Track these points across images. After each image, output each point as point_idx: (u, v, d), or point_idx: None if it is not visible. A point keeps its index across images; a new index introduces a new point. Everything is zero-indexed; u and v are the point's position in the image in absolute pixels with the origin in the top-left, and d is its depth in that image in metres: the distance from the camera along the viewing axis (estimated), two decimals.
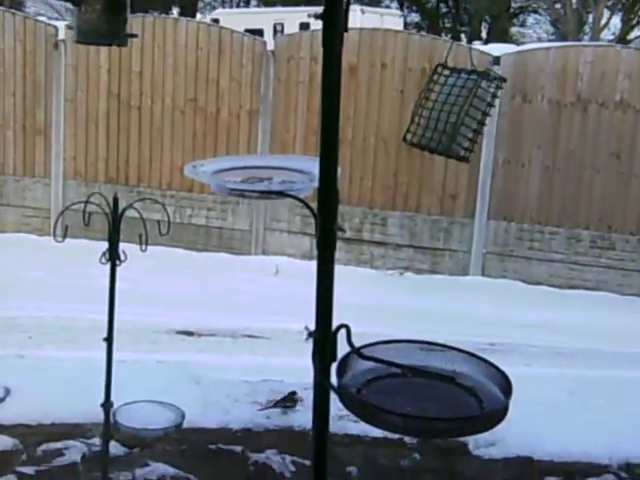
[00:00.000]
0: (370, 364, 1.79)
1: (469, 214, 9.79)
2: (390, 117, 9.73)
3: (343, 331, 1.79)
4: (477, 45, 15.62)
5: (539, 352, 7.64)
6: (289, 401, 4.36)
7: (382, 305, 8.40)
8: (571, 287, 9.61)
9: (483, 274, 9.83)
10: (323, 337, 1.80)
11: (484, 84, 2.53)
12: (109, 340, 3.15)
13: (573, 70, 9.37)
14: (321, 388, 1.83)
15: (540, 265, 9.73)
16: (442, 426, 1.61)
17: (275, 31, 20.12)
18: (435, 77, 2.69)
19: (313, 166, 1.84)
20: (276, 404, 4.32)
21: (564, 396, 6.02)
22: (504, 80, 2.64)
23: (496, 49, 11.07)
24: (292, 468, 4.08)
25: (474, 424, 1.63)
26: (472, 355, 1.80)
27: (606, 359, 7.59)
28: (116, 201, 2.99)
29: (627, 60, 9.25)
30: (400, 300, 8.66)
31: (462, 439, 4.11)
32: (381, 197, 10.01)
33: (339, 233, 1.79)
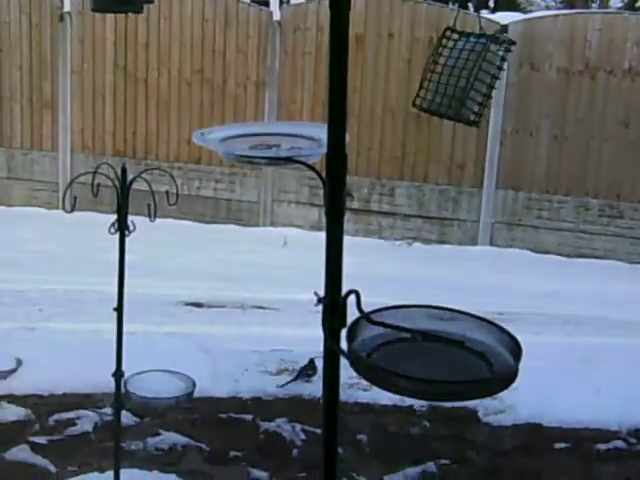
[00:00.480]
0: (380, 329, 1.79)
1: (477, 184, 9.77)
2: (397, 88, 9.69)
3: (352, 297, 1.79)
4: (485, 14, 15.51)
5: (548, 321, 7.64)
6: (309, 369, 4.37)
7: (391, 275, 8.41)
8: (580, 256, 9.60)
9: (491, 244, 9.82)
10: (332, 303, 1.80)
11: (493, 47, 2.51)
12: (119, 310, 3.16)
13: (581, 38, 9.31)
14: (331, 353, 1.84)
15: (548, 234, 9.72)
16: (452, 389, 1.62)
17: (281, 2, 20.00)
18: (444, 41, 2.67)
19: (321, 132, 1.83)
20: (298, 376, 4.32)
21: (573, 364, 6.04)
22: (513, 43, 2.62)
23: (504, 17, 10.98)
24: (302, 436, 4.11)
25: (484, 387, 1.64)
26: (482, 320, 1.80)
27: (615, 327, 7.59)
28: (124, 171, 2.99)
29: (636, 27, 9.18)
30: (409, 270, 8.67)
31: (472, 407, 4.14)
32: (389, 168, 9.99)
33: (347, 199, 1.79)
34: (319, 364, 4.30)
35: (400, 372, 1.62)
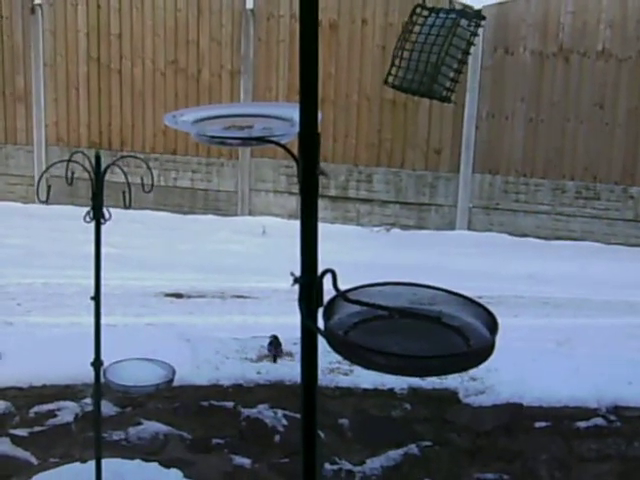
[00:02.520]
0: (357, 307, 1.79)
1: (454, 168, 9.80)
2: (372, 73, 9.69)
3: (329, 276, 1.79)
4: None
5: (527, 303, 7.69)
6: (275, 345, 4.37)
7: (370, 262, 8.41)
8: (557, 238, 9.65)
9: (469, 228, 9.86)
10: (309, 282, 1.80)
11: (463, 22, 2.52)
12: (97, 299, 3.15)
13: (554, 20, 9.34)
14: (308, 333, 1.84)
15: (526, 217, 9.76)
16: (430, 364, 1.62)
17: None
18: (414, 18, 2.67)
19: (293, 112, 1.83)
20: (268, 355, 4.33)
21: (552, 345, 6.09)
22: (483, 18, 2.63)
23: (477, 2, 10.98)
24: (284, 422, 4.11)
25: (461, 360, 1.65)
26: (458, 295, 1.81)
27: (593, 308, 7.65)
28: (98, 158, 2.98)
29: (608, 9, 9.21)
30: (388, 256, 8.68)
31: (452, 388, 4.15)
32: (366, 154, 9.99)
33: (321, 177, 1.79)
34: (296, 350, 4.30)
35: (377, 348, 1.63)
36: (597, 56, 9.29)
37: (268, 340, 4.40)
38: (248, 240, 9.51)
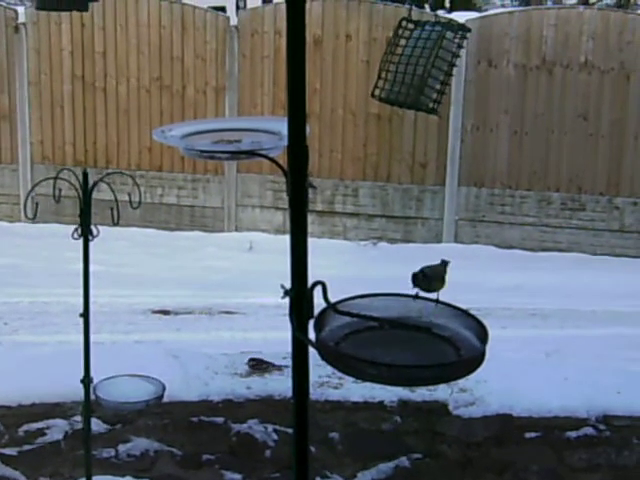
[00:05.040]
0: (347, 319, 1.79)
1: (440, 181, 9.83)
2: (357, 88, 9.72)
3: (319, 288, 1.80)
4: (441, 13, 15.61)
5: (514, 314, 7.71)
6: (261, 363, 4.39)
7: (357, 276, 8.41)
8: (544, 249, 9.69)
9: (456, 240, 9.88)
10: (299, 294, 1.80)
11: (449, 34, 2.54)
12: (85, 315, 3.14)
13: (537, 33, 9.41)
14: (299, 345, 1.84)
15: (512, 229, 9.79)
16: (422, 373, 1.63)
17: (238, 7, 20.00)
18: (400, 31, 2.69)
19: (282, 126, 1.84)
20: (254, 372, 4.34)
21: (541, 356, 6.10)
22: (468, 30, 2.65)
23: (461, 17, 11.06)
24: (275, 437, 4.10)
25: (452, 369, 1.65)
26: (447, 305, 1.82)
27: (580, 318, 7.67)
28: (86, 175, 2.97)
29: (590, 21, 9.29)
30: (375, 270, 8.69)
31: (442, 400, 4.16)
32: (351, 168, 10.01)
33: (310, 190, 1.80)
34: (285, 364, 4.31)
35: (369, 359, 1.63)
36: (580, 68, 9.35)
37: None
38: (235, 256, 9.50)
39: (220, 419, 4.10)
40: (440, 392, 4.17)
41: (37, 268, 8.80)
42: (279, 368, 4.36)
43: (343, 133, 9.95)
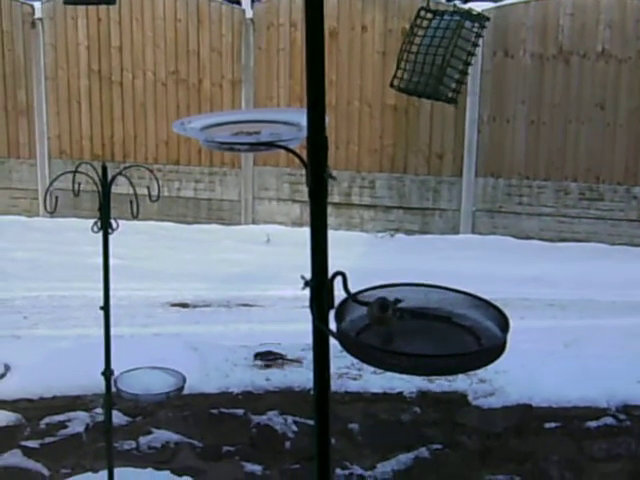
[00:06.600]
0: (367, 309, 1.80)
1: (457, 172, 9.81)
2: (373, 80, 9.71)
3: (339, 278, 1.80)
4: (457, 3, 15.55)
5: (533, 305, 7.69)
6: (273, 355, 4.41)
7: (375, 268, 8.40)
8: (562, 240, 9.65)
9: (473, 231, 9.86)
10: (320, 285, 1.81)
11: (467, 24, 2.54)
12: (106, 308, 3.16)
13: (554, 23, 9.36)
14: (320, 335, 1.85)
15: (530, 220, 9.76)
16: (444, 363, 1.63)
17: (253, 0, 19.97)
18: (418, 21, 2.69)
19: (301, 117, 1.85)
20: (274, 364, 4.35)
21: (559, 346, 6.09)
22: (487, 19, 2.64)
23: (477, 6, 11.02)
24: (294, 428, 4.11)
25: (473, 359, 1.65)
26: (468, 294, 1.82)
27: (600, 309, 7.65)
28: (105, 169, 2.99)
29: (607, 9, 9.23)
30: (392, 262, 8.69)
31: (461, 390, 4.15)
32: (368, 160, 10.01)
33: (330, 181, 1.80)
34: (304, 356, 4.32)
35: (390, 349, 1.64)
36: (597, 57, 9.30)
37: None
38: (252, 249, 9.52)
39: (240, 411, 4.11)
40: (459, 383, 4.17)
41: (56, 262, 8.84)
42: (298, 360, 4.36)
43: (359, 125, 9.94)
